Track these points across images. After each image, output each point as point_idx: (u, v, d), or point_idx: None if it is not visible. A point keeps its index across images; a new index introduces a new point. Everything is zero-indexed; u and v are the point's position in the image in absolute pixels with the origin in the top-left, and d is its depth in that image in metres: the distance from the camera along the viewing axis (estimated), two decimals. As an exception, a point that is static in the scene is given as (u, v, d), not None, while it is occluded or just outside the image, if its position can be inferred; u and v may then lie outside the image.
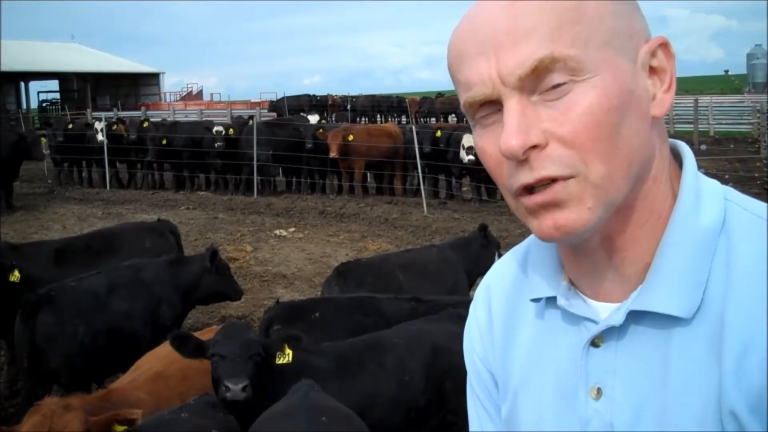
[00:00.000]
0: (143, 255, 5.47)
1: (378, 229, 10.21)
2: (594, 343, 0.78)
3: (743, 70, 32.77)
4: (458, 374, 3.23)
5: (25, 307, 4.33)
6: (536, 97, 0.72)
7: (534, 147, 0.71)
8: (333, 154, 12.03)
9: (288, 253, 8.98)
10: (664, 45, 0.76)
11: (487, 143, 0.76)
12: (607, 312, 0.79)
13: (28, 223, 10.99)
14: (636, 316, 0.75)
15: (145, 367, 3.49)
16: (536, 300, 0.86)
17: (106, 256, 5.71)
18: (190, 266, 5.12)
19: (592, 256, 0.79)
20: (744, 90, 27.31)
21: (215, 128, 13.21)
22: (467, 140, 11.23)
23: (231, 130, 13.14)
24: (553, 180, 0.71)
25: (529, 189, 0.73)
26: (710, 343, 0.71)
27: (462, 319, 3.67)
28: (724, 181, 0.81)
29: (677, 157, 0.82)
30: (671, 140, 0.82)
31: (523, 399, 0.87)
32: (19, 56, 33.36)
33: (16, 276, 4.89)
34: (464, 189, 12.59)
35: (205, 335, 3.81)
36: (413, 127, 12.85)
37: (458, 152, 11.38)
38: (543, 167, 0.71)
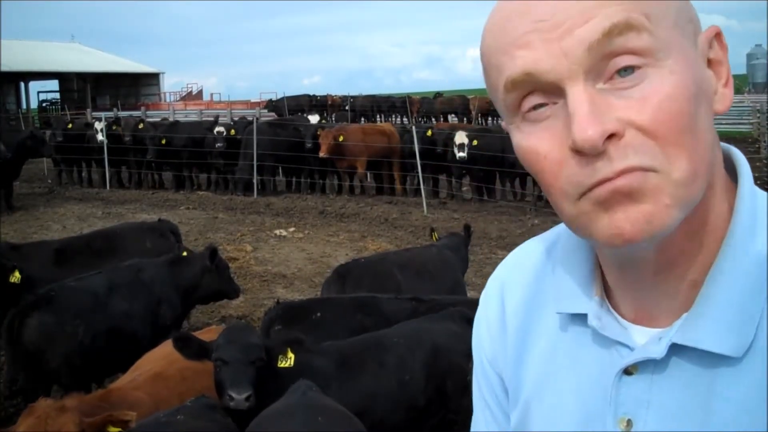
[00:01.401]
0: (144, 255, 5.47)
1: (378, 229, 10.21)
2: (627, 370, 0.70)
3: (743, 71, 32.77)
4: (459, 374, 3.25)
5: (25, 307, 4.33)
6: (604, 85, 0.63)
7: (612, 136, 0.62)
8: (323, 154, 12.08)
9: (288, 253, 8.98)
10: (719, 35, 0.68)
11: (541, 142, 0.66)
12: (643, 337, 0.71)
13: (28, 223, 10.99)
14: (678, 349, 0.67)
15: (145, 367, 3.49)
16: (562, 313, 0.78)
17: (107, 256, 5.71)
18: (190, 266, 5.11)
19: (639, 267, 0.70)
20: (744, 90, 27.32)
21: (216, 129, 13.22)
22: (459, 137, 11.28)
23: (233, 131, 13.14)
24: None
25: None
26: (760, 384, 0.63)
27: (463, 318, 3.66)
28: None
29: (728, 164, 0.73)
30: (723, 144, 0.73)
31: (537, 413, 0.80)
32: (19, 56, 33.35)
33: (16, 276, 4.89)
34: (464, 189, 12.59)
35: (205, 335, 3.81)
36: (413, 127, 12.85)
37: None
38: (625, 156, 0.62)
